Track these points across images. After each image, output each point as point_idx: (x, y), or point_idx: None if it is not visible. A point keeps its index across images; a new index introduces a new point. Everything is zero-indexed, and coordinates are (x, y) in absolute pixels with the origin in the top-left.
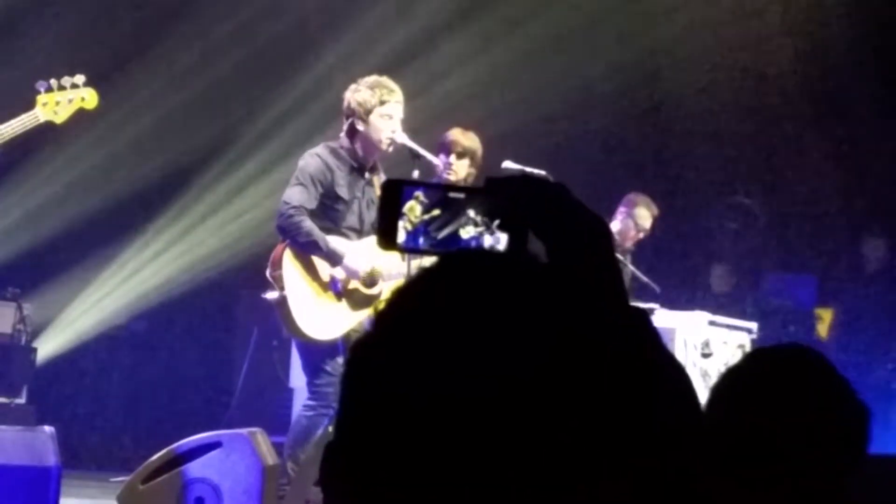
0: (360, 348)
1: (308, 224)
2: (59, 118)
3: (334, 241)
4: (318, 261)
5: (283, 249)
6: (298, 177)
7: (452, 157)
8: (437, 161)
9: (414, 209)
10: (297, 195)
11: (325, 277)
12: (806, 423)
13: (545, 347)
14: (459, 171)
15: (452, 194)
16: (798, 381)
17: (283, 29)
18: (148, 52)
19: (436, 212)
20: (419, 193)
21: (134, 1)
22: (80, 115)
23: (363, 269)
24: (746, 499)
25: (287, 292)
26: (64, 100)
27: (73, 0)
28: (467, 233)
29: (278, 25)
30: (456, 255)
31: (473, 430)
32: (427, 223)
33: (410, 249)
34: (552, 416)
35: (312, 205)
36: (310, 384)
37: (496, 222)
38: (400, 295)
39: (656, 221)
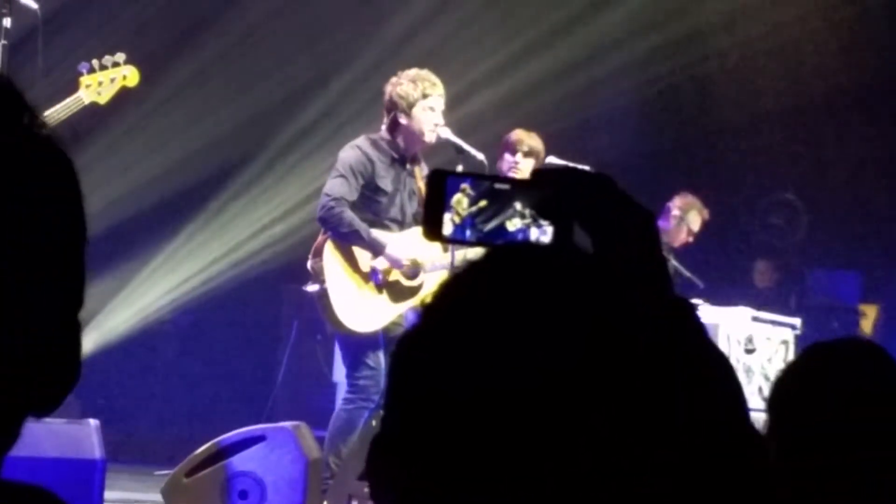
0: (406, 342)
1: (349, 214)
2: (103, 98)
3: (376, 232)
4: (358, 252)
5: (325, 241)
6: (339, 168)
7: (518, 156)
8: (481, 156)
9: (461, 201)
10: (338, 187)
11: (366, 269)
12: (873, 414)
13: (584, 339)
14: (525, 170)
15: (498, 186)
16: (861, 372)
17: (322, 26)
18: (192, 46)
19: (482, 203)
20: (466, 185)
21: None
22: (124, 102)
23: (405, 258)
24: (813, 492)
25: (328, 284)
26: (106, 79)
27: None
28: (514, 225)
29: (317, 22)
30: (500, 249)
31: (516, 422)
32: (474, 215)
33: (457, 241)
34: (589, 407)
35: (353, 196)
36: (349, 377)
37: (542, 214)
38: (446, 288)
39: (704, 225)
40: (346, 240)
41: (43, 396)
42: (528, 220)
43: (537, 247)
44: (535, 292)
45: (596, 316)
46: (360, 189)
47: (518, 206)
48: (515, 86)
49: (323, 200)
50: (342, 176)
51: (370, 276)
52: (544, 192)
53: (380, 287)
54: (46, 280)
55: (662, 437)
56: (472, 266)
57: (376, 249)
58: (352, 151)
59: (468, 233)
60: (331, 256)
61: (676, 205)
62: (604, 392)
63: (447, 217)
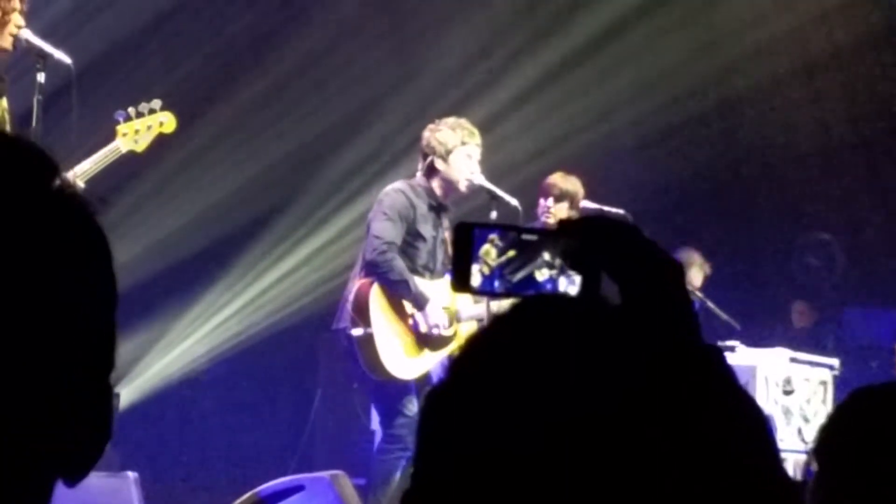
0: (435, 396)
1: (400, 263)
2: (140, 146)
3: (421, 284)
4: (402, 300)
5: (371, 285)
6: (387, 212)
7: (550, 201)
8: (515, 202)
9: (489, 252)
10: (389, 230)
11: (409, 318)
12: None
13: (618, 392)
14: (558, 214)
15: (526, 236)
16: None
17: (359, 72)
18: (227, 94)
19: (510, 254)
20: (494, 236)
21: (205, 45)
22: (158, 151)
23: (444, 321)
24: None
25: (373, 329)
26: (143, 127)
27: (155, 39)
28: (542, 275)
29: (353, 69)
30: (526, 302)
31: (541, 481)
32: (502, 266)
33: (486, 293)
34: (628, 462)
35: (399, 241)
36: (385, 426)
37: (569, 264)
38: (474, 342)
39: (707, 280)
40: (393, 288)
41: (73, 461)
42: (556, 270)
43: (563, 299)
44: (566, 345)
45: (624, 370)
46: (403, 234)
47: (546, 256)
48: (551, 129)
49: (374, 243)
50: (391, 220)
51: (412, 326)
52: (571, 241)
53: (420, 335)
54: (76, 345)
55: (693, 488)
56: (498, 319)
57: (420, 303)
58: (397, 196)
59: (497, 284)
60: (377, 301)
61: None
62: (632, 449)
63: (475, 268)
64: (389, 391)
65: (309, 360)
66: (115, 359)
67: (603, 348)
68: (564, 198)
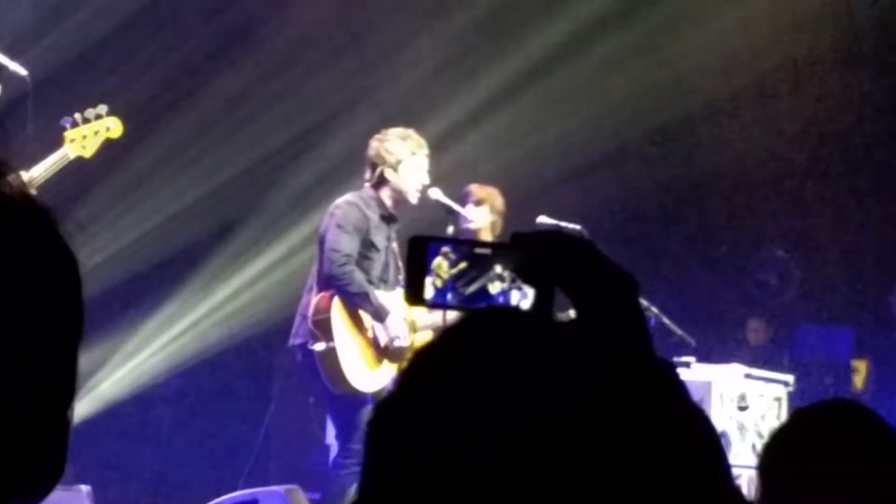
0: (384, 407)
1: (360, 275)
2: (88, 151)
3: (379, 296)
4: (363, 312)
5: (331, 298)
6: (342, 225)
7: (469, 207)
8: (465, 211)
9: (442, 265)
10: (346, 243)
11: (369, 330)
12: (861, 473)
13: (573, 405)
14: (478, 217)
15: (479, 250)
16: (848, 435)
17: (321, 90)
18: (185, 106)
19: (463, 266)
20: (447, 249)
21: (159, 56)
22: (114, 164)
23: (404, 332)
24: None
25: (336, 343)
26: (90, 132)
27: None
28: (495, 288)
29: (316, 87)
30: (474, 315)
31: (485, 492)
32: (455, 279)
33: (438, 305)
34: (561, 477)
35: (356, 253)
36: (342, 440)
37: (522, 278)
38: (423, 354)
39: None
40: (353, 300)
41: (29, 491)
42: (509, 284)
43: (514, 311)
44: (513, 359)
45: (578, 383)
46: (358, 246)
47: (499, 269)
48: (509, 145)
49: (332, 256)
50: (347, 232)
51: (373, 339)
52: (524, 256)
53: (379, 347)
54: (36, 376)
55: (642, 500)
56: (448, 331)
57: (380, 316)
58: (349, 208)
59: (450, 296)
60: (338, 315)
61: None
62: (578, 462)
63: (429, 281)
64: (348, 404)
65: (265, 373)
66: (75, 391)
67: (556, 362)
68: (483, 202)
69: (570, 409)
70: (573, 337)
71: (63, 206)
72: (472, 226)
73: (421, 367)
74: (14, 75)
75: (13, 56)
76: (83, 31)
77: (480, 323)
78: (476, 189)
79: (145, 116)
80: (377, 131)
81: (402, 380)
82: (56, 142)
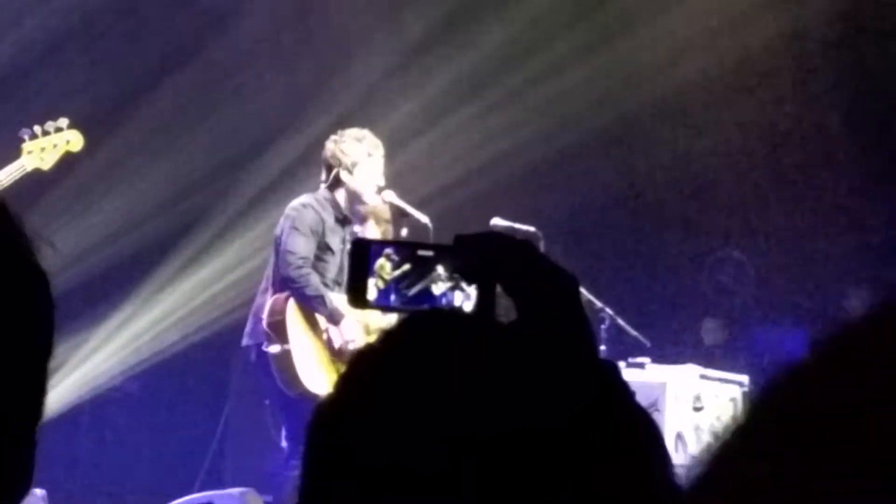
0: (321, 412)
1: (316, 278)
2: (46, 164)
3: (334, 298)
4: (318, 315)
5: (286, 300)
6: (298, 227)
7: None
8: (426, 219)
9: (384, 266)
10: (303, 246)
11: (324, 332)
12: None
13: (500, 409)
14: (368, 233)
15: (421, 252)
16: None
17: (277, 91)
18: (139, 107)
19: (405, 268)
20: (389, 251)
21: (122, 60)
22: (70, 167)
23: (359, 335)
24: None
25: (291, 345)
26: (49, 145)
27: (65, 54)
28: (439, 289)
29: (272, 88)
30: (414, 317)
31: (425, 494)
32: (398, 280)
33: (382, 307)
34: (504, 480)
35: (312, 256)
36: (294, 442)
37: (465, 278)
38: (363, 356)
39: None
40: (309, 303)
41: None
42: (451, 285)
43: (455, 313)
44: (449, 362)
45: (522, 384)
46: (314, 249)
47: (441, 270)
48: (463, 145)
49: (289, 258)
50: (303, 235)
51: (326, 342)
52: (466, 257)
53: (334, 350)
54: (8, 394)
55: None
56: (388, 334)
57: (335, 318)
58: (305, 210)
59: (393, 298)
60: (294, 316)
61: None
62: (520, 466)
63: (371, 282)
64: (302, 407)
65: (221, 375)
66: (43, 409)
67: (496, 363)
68: (368, 218)
69: (512, 411)
70: (515, 338)
71: (17, 209)
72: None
73: (361, 370)
74: None
75: None
76: (34, 34)
77: (420, 325)
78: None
79: (100, 117)
80: (332, 132)
81: (343, 382)
82: (6, 149)
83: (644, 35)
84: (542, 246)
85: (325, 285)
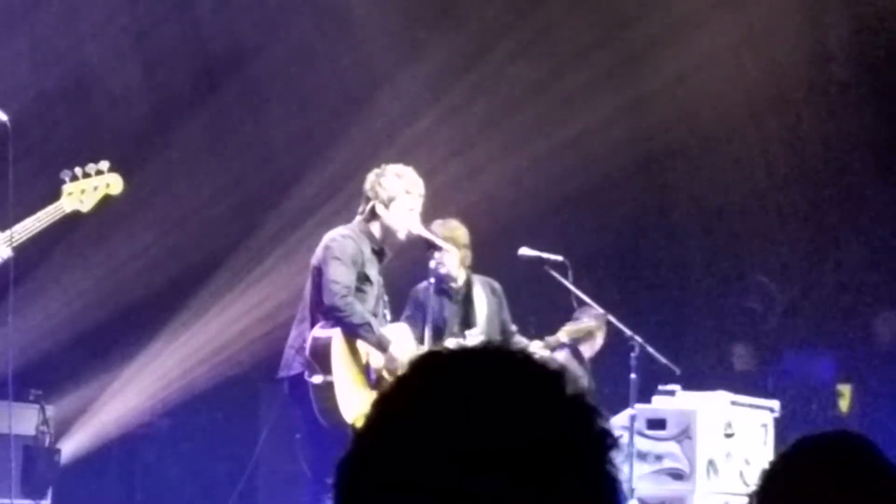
0: (354, 446)
1: (360, 306)
2: (86, 207)
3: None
4: (360, 344)
5: (330, 331)
6: (339, 257)
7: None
8: (453, 251)
9: None
10: (345, 275)
11: (363, 363)
12: None
13: (507, 433)
14: (446, 258)
15: None
16: (849, 467)
17: (306, 121)
18: (169, 143)
19: None
20: None
21: (150, 93)
22: (106, 207)
23: (405, 360)
24: None
25: (333, 376)
26: (89, 188)
27: (91, 92)
28: None
29: (301, 118)
30: (426, 356)
31: None
32: None
33: None
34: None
35: (353, 285)
36: (320, 474)
37: None
38: (386, 397)
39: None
40: (354, 331)
41: None
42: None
43: (470, 351)
44: (479, 395)
45: (509, 409)
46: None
47: None
48: (491, 176)
49: (333, 288)
50: (345, 264)
51: (366, 372)
52: None
53: (372, 383)
54: None
55: None
56: (410, 371)
57: (384, 345)
58: (345, 241)
59: None
60: (338, 348)
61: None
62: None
63: None
64: (333, 438)
65: (251, 409)
66: None
67: (497, 391)
68: (447, 242)
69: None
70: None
71: (43, 242)
72: (443, 270)
73: (385, 408)
74: None
75: None
76: (61, 73)
77: (432, 362)
78: (439, 229)
79: (128, 150)
80: (363, 165)
81: (372, 419)
82: (39, 188)
83: (668, 66)
84: (570, 275)
85: None
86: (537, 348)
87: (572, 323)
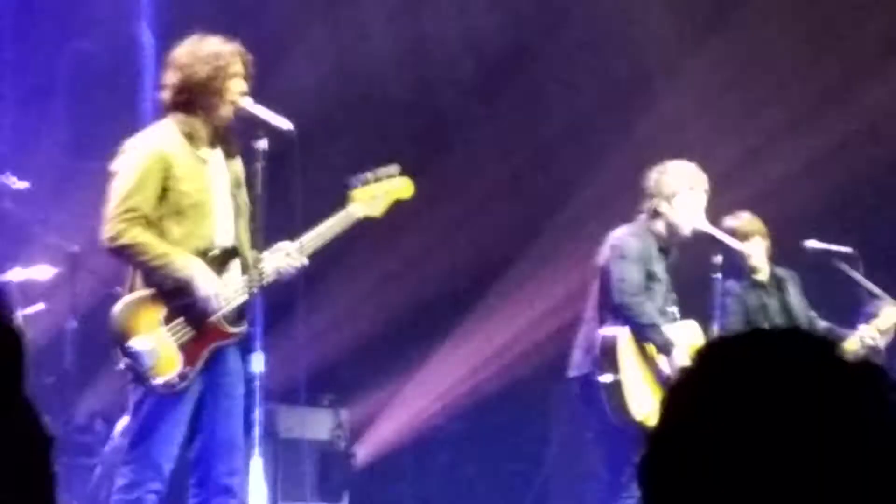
0: (654, 442)
1: (650, 306)
2: (377, 211)
3: (667, 329)
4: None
5: (618, 329)
6: (627, 255)
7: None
8: (739, 245)
9: None
10: (635, 273)
11: (653, 362)
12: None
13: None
14: (753, 252)
15: None
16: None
17: (586, 119)
18: (452, 146)
19: None
20: None
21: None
22: (392, 212)
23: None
24: None
25: (622, 375)
26: (381, 192)
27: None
28: None
29: (580, 116)
30: (716, 344)
31: None
32: None
33: None
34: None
35: (643, 283)
36: (613, 474)
37: None
38: (677, 390)
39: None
40: (642, 332)
41: None
42: None
43: (753, 334)
44: (762, 382)
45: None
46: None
47: None
48: (779, 173)
49: (622, 286)
50: (634, 263)
51: (656, 371)
52: None
53: (663, 380)
54: None
55: None
56: (693, 367)
57: (668, 348)
58: (632, 239)
59: None
60: (626, 346)
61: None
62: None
63: None
64: (625, 437)
65: (542, 409)
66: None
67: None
68: (750, 237)
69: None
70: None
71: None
72: (753, 262)
73: (682, 401)
74: (279, 129)
75: (282, 109)
76: (346, 78)
77: (727, 349)
78: (737, 225)
79: (410, 157)
80: (647, 164)
81: (667, 414)
82: (324, 196)
83: None
84: (860, 267)
85: None
86: (854, 344)
87: (882, 317)
